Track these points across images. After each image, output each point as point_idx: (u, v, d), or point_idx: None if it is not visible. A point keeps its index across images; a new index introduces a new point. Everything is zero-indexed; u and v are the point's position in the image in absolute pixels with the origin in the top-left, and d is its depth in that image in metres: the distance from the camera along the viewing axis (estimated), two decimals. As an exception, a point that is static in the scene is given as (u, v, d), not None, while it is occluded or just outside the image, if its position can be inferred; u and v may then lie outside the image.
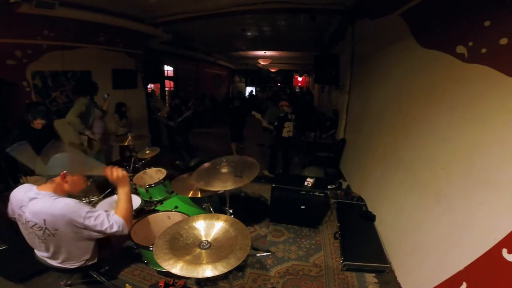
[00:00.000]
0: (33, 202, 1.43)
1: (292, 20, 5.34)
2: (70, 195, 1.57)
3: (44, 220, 1.41)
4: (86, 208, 1.47)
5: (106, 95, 3.98)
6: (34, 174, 2.82)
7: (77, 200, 1.50)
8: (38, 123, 2.98)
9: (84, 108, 3.30)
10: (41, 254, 1.61)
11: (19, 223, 1.51)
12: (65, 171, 1.50)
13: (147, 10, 4.76)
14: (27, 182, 2.80)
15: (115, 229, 1.51)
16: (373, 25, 3.71)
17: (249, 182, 2.05)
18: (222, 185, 2.01)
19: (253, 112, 4.52)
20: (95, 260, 1.71)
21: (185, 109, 5.40)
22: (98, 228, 1.47)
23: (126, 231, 1.55)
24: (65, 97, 4.24)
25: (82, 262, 1.64)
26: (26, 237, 1.56)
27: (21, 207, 1.45)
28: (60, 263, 1.61)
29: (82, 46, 4.36)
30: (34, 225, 1.44)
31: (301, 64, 13.93)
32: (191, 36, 7.02)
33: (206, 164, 2.31)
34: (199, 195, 2.39)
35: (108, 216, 1.52)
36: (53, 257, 1.59)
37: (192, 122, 7.69)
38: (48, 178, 1.51)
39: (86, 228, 1.46)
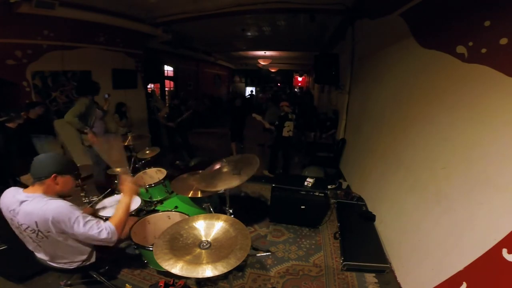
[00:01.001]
0: (24, 204, 1.40)
1: (292, 20, 5.34)
2: (61, 195, 1.54)
3: (36, 223, 1.38)
4: (77, 212, 1.44)
5: (106, 95, 3.98)
6: (25, 173, 2.84)
7: (70, 203, 1.46)
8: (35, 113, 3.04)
9: (84, 108, 3.29)
10: (39, 256, 1.60)
11: (13, 227, 1.49)
12: (55, 173, 1.46)
13: (147, 10, 4.75)
14: (20, 182, 2.84)
15: (103, 235, 1.46)
16: (373, 25, 3.71)
17: (248, 178, 2.06)
18: (223, 184, 2.01)
19: (254, 114, 4.52)
20: (93, 260, 1.72)
21: (184, 110, 5.40)
22: (86, 232, 1.44)
23: (114, 239, 1.52)
24: (65, 97, 4.24)
25: (79, 263, 1.64)
26: (22, 240, 1.55)
27: (10, 211, 1.42)
28: (58, 264, 1.60)
29: (82, 46, 4.36)
30: (26, 228, 1.41)
31: (301, 64, 13.91)
32: (191, 36, 7.01)
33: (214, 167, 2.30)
34: (199, 195, 2.39)
35: (98, 223, 1.49)
36: (51, 259, 1.58)
37: (192, 122, 7.69)
38: (37, 180, 1.45)
39: (74, 232, 1.43)
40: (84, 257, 1.64)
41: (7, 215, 1.45)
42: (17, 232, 1.51)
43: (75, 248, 1.57)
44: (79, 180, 1.68)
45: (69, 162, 1.60)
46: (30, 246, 1.56)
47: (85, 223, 1.44)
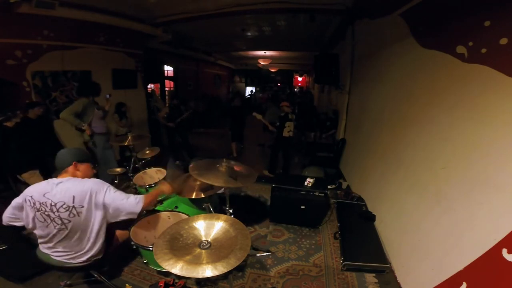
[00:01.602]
0: (61, 184, 1.58)
1: (292, 20, 5.34)
2: None
3: (74, 197, 1.55)
4: (108, 184, 1.71)
5: (108, 96, 3.98)
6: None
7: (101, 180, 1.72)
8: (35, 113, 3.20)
9: (81, 108, 3.29)
10: (55, 248, 1.64)
11: (39, 215, 1.55)
12: (75, 161, 1.70)
13: (147, 10, 4.75)
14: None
15: (131, 201, 1.69)
16: (373, 25, 3.72)
17: (241, 186, 2.06)
18: (213, 180, 2.00)
19: (254, 113, 4.51)
20: (101, 256, 1.77)
21: (184, 110, 5.41)
22: (117, 197, 1.66)
23: (139, 206, 1.71)
24: (65, 97, 4.24)
25: (94, 251, 1.70)
26: (44, 231, 1.59)
27: (45, 194, 1.54)
28: (74, 254, 1.66)
29: (82, 46, 4.36)
30: (61, 206, 1.53)
31: (301, 64, 13.91)
32: (191, 36, 7.01)
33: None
34: (200, 196, 2.38)
35: (126, 193, 1.73)
36: (65, 247, 1.63)
37: (192, 122, 7.69)
38: (61, 170, 1.69)
39: (105, 200, 1.62)
40: (101, 244, 1.73)
41: (38, 200, 1.54)
42: (40, 220, 1.56)
43: (97, 232, 1.67)
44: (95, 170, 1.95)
45: (86, 152, 1.87)
46: (52, 234, 1.59)
47: (115, 191, 1.70)
